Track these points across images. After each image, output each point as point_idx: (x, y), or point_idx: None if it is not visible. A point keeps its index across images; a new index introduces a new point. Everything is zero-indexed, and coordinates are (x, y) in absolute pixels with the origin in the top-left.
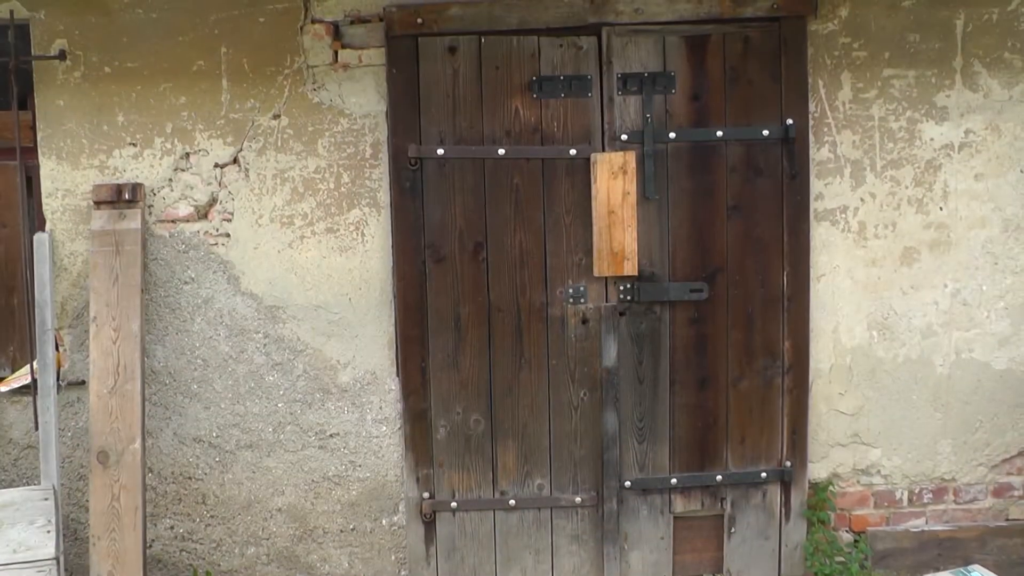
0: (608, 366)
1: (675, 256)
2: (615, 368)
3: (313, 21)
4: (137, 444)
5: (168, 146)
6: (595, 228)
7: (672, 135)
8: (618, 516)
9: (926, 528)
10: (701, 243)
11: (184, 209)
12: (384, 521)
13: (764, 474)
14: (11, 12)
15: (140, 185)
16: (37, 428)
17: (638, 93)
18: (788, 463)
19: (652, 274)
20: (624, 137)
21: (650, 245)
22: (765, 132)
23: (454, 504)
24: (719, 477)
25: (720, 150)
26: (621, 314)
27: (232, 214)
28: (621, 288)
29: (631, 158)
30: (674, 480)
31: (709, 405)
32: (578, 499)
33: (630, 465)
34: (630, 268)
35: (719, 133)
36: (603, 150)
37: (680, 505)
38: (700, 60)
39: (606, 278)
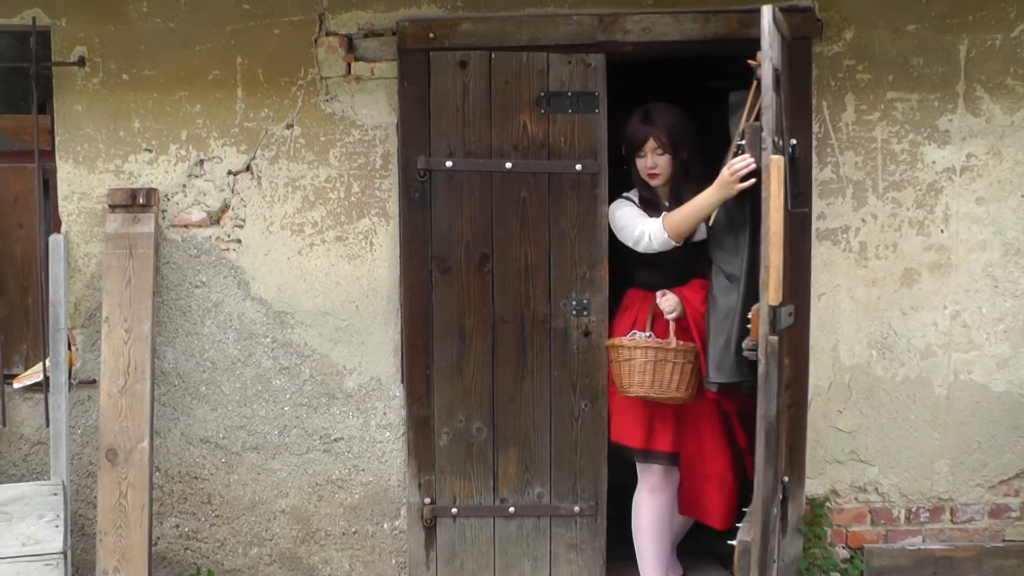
0: None
1: None
2: None
3: (327, 34)
4: (145, 443)
5: (183, 153)
6: None
7: None
8: None
9: (922, 546)
10: None
11: (197, 214)
12: (386, 525)
13: None
14: (33, 19)
15: (154, 190)
16: (48, 425)
17: None
18: (786, 478)
19: None
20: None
21: None
22: None
23: (455, 510)
24: None
25: None
26: None
27: (244, 220)
28: None
29: None
30: None
31: None
32: (577, 508)
33: None
34: None
35: None
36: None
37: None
38: None
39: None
